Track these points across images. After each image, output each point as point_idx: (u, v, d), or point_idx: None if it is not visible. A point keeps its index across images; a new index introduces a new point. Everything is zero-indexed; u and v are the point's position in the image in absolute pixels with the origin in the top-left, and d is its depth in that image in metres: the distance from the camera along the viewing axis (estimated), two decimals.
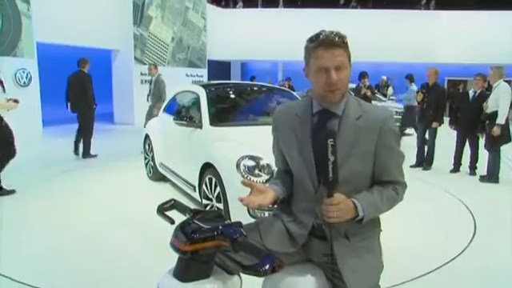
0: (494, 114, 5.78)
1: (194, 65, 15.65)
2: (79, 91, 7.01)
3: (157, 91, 7.48)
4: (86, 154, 7.14)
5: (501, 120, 5.70)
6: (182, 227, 1.22)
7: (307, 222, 1.58)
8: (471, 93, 6.40)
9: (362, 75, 9.21)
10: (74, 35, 10.50)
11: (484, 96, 6.11)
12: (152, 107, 7.44)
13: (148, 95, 7.92)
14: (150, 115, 7.17)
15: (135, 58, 12.68)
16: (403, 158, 1.62)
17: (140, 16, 12.95)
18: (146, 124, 6.84)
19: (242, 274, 1.31)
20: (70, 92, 7.14)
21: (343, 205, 1.42)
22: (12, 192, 4.97)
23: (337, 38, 1.45)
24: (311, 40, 1.49)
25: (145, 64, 12.97)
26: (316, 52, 1.47)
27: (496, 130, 5.73)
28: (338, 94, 1.51)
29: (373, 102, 9.07)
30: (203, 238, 1.18)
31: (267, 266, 1.07)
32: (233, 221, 1.29)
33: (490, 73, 6.07)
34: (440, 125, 6.70)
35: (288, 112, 1.66)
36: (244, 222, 1.48)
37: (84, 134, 7.15)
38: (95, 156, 7.16)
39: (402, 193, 1.59)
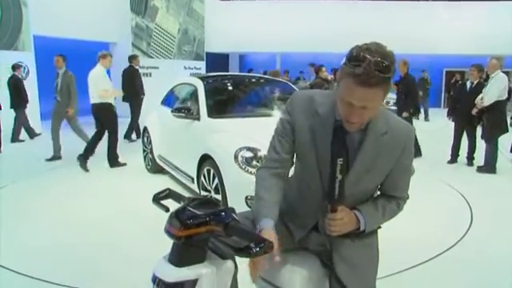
0: (493, 105, 5.79)
1: (200, 57, 15.25)
2: (129, 83, 8.23)
3: (66, 89, 6.41)
4: (128, 137, 8.30)
5: (485, 102, 5.79)
6: (177, 214, 1.24)
7: (308, 223, 1.58)
8: (468, 84, 6.40)
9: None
10: (71, 28, 10.45)
11: (482, 87, 6.12)
12: (60, 107, 6.51)
13: (56, 92, 6.60)
14: (58, 114, 6.54)
15: (141, 50, 12.30)
16: (413, 173, 1.63)
17: (144, 6, 12.39)
18: (52, 125, 6.44)
19: (237, 261, 1.34)
20: (123, 84, 8.33)
21: (346, 219, 1.44)
22: (124, 164, 6.02)
23: (377, 74, 1.20)
24: (350, 61, 1.24)
25: (151, 57, 12.77)
26: (348, 82, 1.25)
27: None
28: (356, 127, 1.38)
29: None
30: (197, 224, 1.20)
31: (258, 248, 1.09)
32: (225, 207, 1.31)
33: (489, 63, 6.07)
34: (411, 115, 6.69)
35: (308, 104, 1.49)
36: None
37: (131, 119, 8.36)
38: (135, 140, 8.21)
39: (403, 206, 1.60)
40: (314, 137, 1.46)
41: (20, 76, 8.38)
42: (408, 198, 1.61)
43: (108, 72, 6.40)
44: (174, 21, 13.67)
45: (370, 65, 1.20)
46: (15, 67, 8.27)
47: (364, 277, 1.54)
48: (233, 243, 1.18)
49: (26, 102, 8.23)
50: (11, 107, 8.12)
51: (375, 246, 1.63)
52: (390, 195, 1.56)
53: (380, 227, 1.67)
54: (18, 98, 8.09)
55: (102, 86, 5.83)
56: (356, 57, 1.23)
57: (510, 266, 3.13)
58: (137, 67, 8.49)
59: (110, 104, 5.94)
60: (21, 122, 8.30)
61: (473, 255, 3.29)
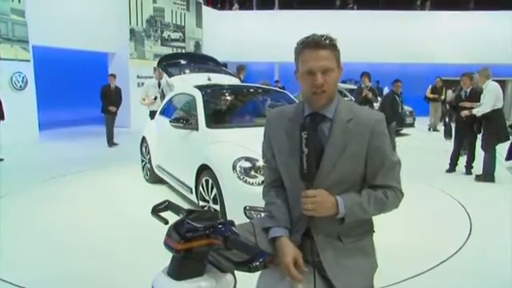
0: (490, 114, 5.82)
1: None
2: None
3: None
4: None
5: (477, 111, 5.85)
6: (176, 226, 1.24)
7: (300, 228, 1.58)
8: (463, 93, 6.46)
9: (364, 75, 8.85)
10: (69, 38, 10.49)
11: (476, 93, 6.16)
12: None
13: None
14: None
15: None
16: (398, 163, 1.57)
17: None
18: None
19: (236, 273, 1.33)
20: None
21: (320, 198, 1.43)
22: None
23: (323, 40, 1.48)
24: (299, 42, 1.53)
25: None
26: (303, 54, 1.51)
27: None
28: (324, 97, 1.51)
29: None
30: (196, 237, 1.19)
31: (258, 262, 1.09)
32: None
33: (477, 77, 6.16)
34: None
35: (280, 115, 1.66)
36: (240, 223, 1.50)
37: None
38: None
39: (393, 198, 1.54)
40: (290, 141, 1.57)
41: (112, 85, 8.82)
42: (401, 192, 1.56)
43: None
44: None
45: (315, 35, 1.50)
46: (110, 76, 8.87)
47: (355, 279, 1.52)
48: (232, 257, 1.18)
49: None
50: (101, 112, 8.71)
51: (370, 251, 1.61)
52: (375, 185, 1.54)
53: (374, 231, 1.65)
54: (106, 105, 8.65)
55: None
56: (303, 39, 1.52)
57: (510, 275, 3.12)
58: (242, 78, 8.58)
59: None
60: (109, 128, 8.76)
61: (472, 265, 3.27)
